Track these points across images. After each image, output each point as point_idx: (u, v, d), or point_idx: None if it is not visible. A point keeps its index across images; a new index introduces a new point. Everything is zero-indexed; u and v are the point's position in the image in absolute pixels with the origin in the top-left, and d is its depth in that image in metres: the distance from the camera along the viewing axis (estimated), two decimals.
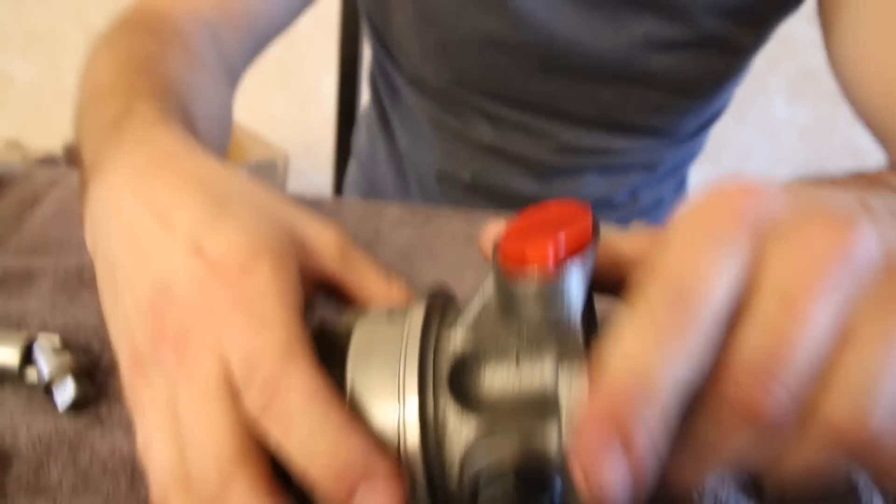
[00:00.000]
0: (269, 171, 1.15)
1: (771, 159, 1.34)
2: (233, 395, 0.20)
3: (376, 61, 0.63)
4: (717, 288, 0.15)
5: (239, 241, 0.22)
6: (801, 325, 0.14)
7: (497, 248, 0.19)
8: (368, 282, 0.25)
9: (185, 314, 0.21)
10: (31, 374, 0.28)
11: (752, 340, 0.15)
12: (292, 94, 1.31)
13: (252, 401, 0.19)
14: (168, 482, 0.21)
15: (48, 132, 1.34)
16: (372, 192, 0.68)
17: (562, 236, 0.18)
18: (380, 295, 0.25)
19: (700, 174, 0.66)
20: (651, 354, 0.14)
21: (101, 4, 1.22)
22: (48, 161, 1.27)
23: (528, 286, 0.18)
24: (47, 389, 0.28)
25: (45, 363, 0.28)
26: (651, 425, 0.14)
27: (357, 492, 0.19)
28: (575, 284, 0.18)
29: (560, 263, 0.18)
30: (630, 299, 0.16)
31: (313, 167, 1.32)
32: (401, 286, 0.26)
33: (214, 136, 0.40)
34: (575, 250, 0.18)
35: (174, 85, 0.36)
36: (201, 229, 0.22)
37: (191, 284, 0.22)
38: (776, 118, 1.29)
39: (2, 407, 0.28)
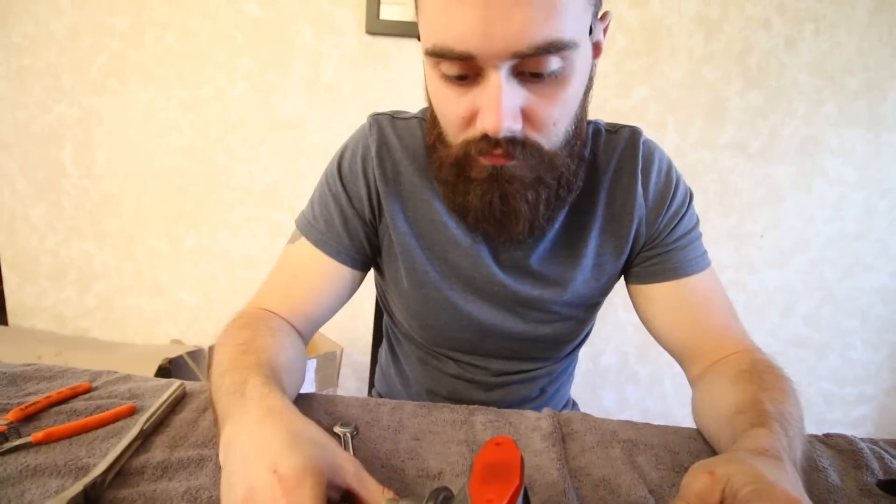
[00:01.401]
0: (331, 358, 1.20)
1: (620, 342, 1.44)
2: None
3: (387, 321, 0.68)
4: None
5: (296, 466, 0.26)
6: None
7: (468, 488, 0.22)
8: (371, 490, 0.29)
9: None
10: None
11: None
12: (345, 310, 1.47)
13: None
14: None
15: (199, 336, 1.49)
16: (389, 395, 0.70)
17: (505, 495, 0.21)
18: (377, 498, 0.29)
19: (584, 351, 0.77)
20: None
21: (245, 265, 1.43)
22: (196, 352, 1.35)
23: None
24: None
25: None
26: None
27: None
28: None
29: None
30: None
31: (358, 352, 1.43)
32: (390, 492, 0.29)
33: (295, 367, 0.45)
34: (513, 497, 0.21)
35: (266, 352, 0.40)
36: (279, 458, 0.27)
37: (266, 489, 0.26)
38: (620, 319, 1.42)
39: None
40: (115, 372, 0.52)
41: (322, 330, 1.38)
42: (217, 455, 0.38)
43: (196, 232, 1.48)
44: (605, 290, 0.57)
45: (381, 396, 0.73)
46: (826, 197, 1.35)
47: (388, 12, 1.22)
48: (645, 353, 1.47)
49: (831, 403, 1.50)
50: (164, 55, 1.33)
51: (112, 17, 1.32)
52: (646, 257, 0.54)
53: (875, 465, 0.43)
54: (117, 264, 1.56)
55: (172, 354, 1.24)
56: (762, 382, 0.42)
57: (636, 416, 0.50)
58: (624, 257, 0.54)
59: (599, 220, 0.53)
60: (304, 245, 0.53)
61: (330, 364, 1.20)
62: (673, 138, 1.33)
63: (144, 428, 0.41)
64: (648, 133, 0.57)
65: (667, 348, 0.54)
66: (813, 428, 0.43)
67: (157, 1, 1.31)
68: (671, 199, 0.53)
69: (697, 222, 0.55)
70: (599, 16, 0.42)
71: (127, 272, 1.56)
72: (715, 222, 1.38)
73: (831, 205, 1.36)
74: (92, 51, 1.35)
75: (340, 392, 1.38)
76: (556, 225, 0.53)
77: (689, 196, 0.55)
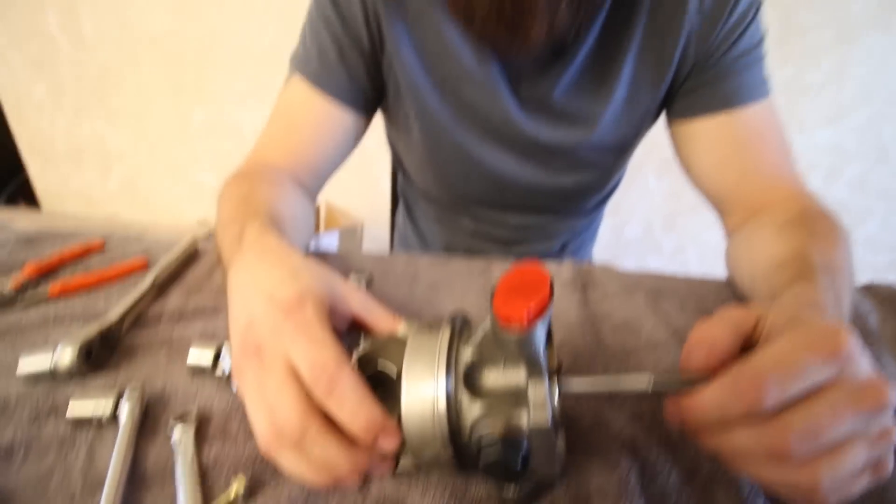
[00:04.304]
0: (353, 232, 1.20)
1: (646, 212, 1.41)
2: (296, 378, 0.22)
3: (401, 180, 0.66)
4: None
5: (294, 291, 0.24)
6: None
7: (491, 303, 0.21)
8: (380, 318, 0.27)
9: (260, 336, 0.24)
10: (219, 369, 0.31)
11: None
12: (364, 188, 1.38)
13: (320, 390, 0.22)
14: (268, 437, 0.22)
15: None
16: None
17: (532, 305, 0.20)
18: (387, 325, 0.27)
19: (607, 222, 0.74)
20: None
21: None
22: None
23: (511, 335, 0.20)
24: (228, 379, 0.30)
25: (228, 362, 0.31)
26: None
27: (378, 438, 0.22)
28: (539, 333, 0.20)
29: (531, 322, 0.20)
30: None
31: (377, 229, 1.40)
32: (400, 319, 0.27)
33: (299, 219, 0.42)
34: (539, 312, 0.20)
35: (265, 203, 0.38)
36: (275, 287, 0.25)
37: (265, 317, 0.24)
38: (650, 188, 1.36)
39: (204, 389, 0.30)
40: (128, 233, 0.52)
41: (342, 205, 1.39)
42: None
43: (202, 107, 1.40)
44: (639, 131, 0.51)
45: None
46: None
47: None
48: (671, 223, 1.42)
49: (862, 271, 1.45)
50: None
51: None
52: (693, 86, 0.46)
53: None
54: (131, 144, 1.53)
55: (196, 233, 1.26)
56: (812, 231, 0.36)
57: None
58: (665, 86, 0.46)
59: (638, 39, 0.44)
60: (299, 84, 0.47)
61: (351, 239, 1.20)
62: None
63: (157, 277, 0.40)
64: None
65: (707, 195, 0.48)
66: None
67: None
68: (732, 7, 0.42)
69: (762, 40, 0.45)
70: None
71: (142, 152, 1.54)
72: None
73: None
74: None
75: None
76: (585, 48, 0.44)
77: (756, 5, 0.44)
